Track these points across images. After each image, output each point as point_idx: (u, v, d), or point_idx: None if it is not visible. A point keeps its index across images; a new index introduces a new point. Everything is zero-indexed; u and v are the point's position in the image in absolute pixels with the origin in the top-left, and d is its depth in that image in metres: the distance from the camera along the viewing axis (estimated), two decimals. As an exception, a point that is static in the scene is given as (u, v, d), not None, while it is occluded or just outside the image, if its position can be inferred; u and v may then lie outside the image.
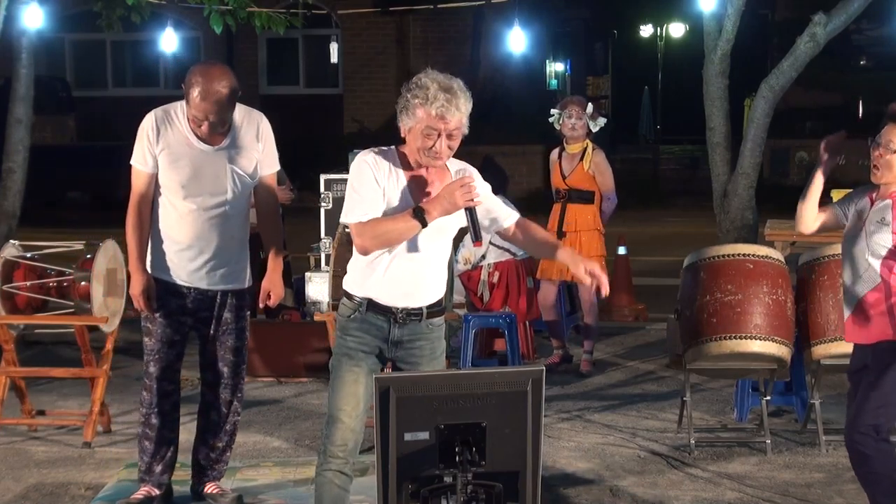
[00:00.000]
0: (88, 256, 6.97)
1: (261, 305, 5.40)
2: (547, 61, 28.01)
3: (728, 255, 6.39)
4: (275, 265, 5.37)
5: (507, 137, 19.31)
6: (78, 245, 7.34)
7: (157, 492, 5.41)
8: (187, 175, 5.16)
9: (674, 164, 26.50)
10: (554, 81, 29.21)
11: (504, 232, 4.60)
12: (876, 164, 4.78)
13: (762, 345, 6.22)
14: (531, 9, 20.62)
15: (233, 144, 5.21)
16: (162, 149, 5.16)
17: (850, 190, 5.12)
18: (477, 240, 4.34)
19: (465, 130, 4.37)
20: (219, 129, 5.13)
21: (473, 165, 4.59)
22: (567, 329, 8.73)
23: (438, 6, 14.89)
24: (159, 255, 5.26)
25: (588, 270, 4.34)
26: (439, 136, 4.29)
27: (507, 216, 4.57)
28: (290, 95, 22.75)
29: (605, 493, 5.86)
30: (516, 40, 13.79)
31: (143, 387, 5.39)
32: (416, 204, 4.31)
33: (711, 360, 6.38)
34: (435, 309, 4.50)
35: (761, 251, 6.45)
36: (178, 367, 5.41)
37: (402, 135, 4.40)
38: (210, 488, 5.49)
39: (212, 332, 5.33)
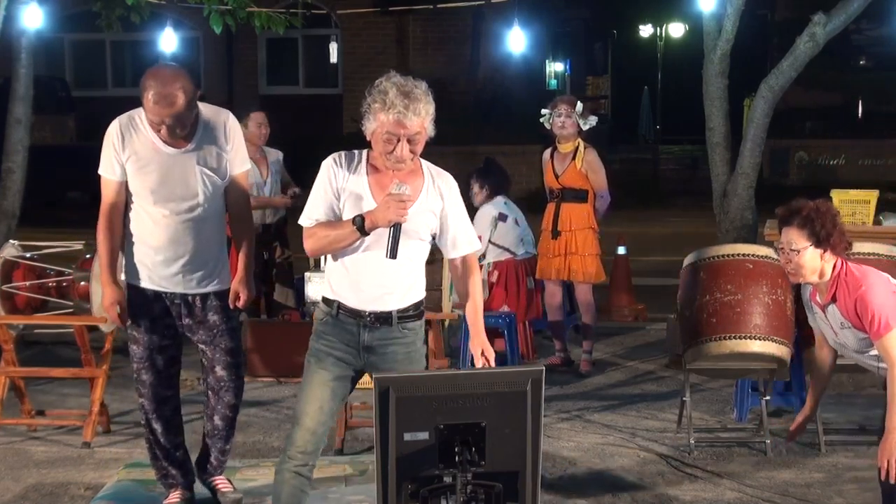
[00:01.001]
0: (88, 256, 6.98)
1: (231, 307, 5.26)
2: (547, 61, 28.02)
3: (728, 255, 6.39)
4: (245, 266, 5.26)
5: (507, 137, 19.30)
6: (77, 245, 7.34)
7: (182, 496, 5.35)
8: (156, 180, 5.05)
9: (674, 164, 26.48)
10: (554, 81, 29.20)
11: (446, 258, 4.58)
12: (789, 271, 4.71)
13: (762, 345, 6.21)
14: (531, 9, 20.61)
15: (200, 146, 5.10)
16: (129, 156, 5.06)
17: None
18: (390, 256, 4.31)
19: (431, 133, 4.35)
20: (178, 132, 5.01)
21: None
22: (566, 329, 8.72)
23: (438, 6, 14.86)
24: (136, 263, 5.17)
25: (481, 350, 4.37)
26: (399, 140, 4.28)
27: (457, 247, 4.49)
28: (289, 95, 22.74)
29: (606, 493, 5.86)
30: (516, 40, 13.77)
31: (139, 394, 5.30)
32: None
33: (711, 360, 6.38)
34: (408, 313, 4.46)
35: (761, 251, 6.44)
36: (173, 371, 5.32)
37: (367, 138, 4.38)
38: (215, 482, 5.48)
39: (203, 336, 5.25)
